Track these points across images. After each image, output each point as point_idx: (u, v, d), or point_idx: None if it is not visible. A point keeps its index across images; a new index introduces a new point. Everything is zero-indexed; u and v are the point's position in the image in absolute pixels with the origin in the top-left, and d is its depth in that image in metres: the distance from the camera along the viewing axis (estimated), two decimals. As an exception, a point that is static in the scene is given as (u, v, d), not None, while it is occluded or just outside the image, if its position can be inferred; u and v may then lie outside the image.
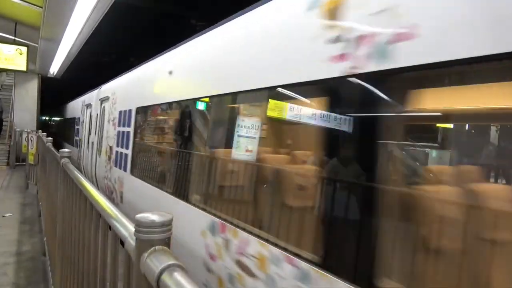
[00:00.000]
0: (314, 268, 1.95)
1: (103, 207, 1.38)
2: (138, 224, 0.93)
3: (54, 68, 13.92)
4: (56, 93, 20.54)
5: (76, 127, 12.05)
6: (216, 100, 3.50)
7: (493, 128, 5.29)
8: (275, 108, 2.77)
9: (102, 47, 12.92)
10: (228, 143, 3.18)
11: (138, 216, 0.95)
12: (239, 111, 3.30)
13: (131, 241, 1.02)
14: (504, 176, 3.71)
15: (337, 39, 2.02)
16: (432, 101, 2.61)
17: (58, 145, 4.84)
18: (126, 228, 1.13)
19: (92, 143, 8.68)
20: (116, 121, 6.36)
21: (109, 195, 6.50)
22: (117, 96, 6.75)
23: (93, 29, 8.48)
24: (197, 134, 3.79)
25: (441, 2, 1.55)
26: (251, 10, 3.03)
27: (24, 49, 11.08)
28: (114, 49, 13.86)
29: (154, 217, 0.94)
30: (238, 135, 3.09)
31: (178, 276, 0.79)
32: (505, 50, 1.29)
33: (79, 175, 2.11)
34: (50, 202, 4.18)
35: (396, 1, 1.71)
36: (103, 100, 7.88)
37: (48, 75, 15.34)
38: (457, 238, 1.81)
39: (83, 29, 8.30)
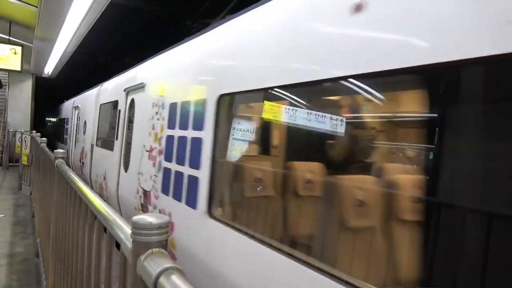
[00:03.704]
0: None
1: (98, 208, 1.36)
2: (135, 226, 0.92)
3: (49, 68, 13.82)
4: (51, 93, 20.37)
5: None
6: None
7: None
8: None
9: (97, 48, 12.86)
10: None
11: (135, 218, 0.93)
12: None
13: (127, 244, 1.01)
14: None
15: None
16: None
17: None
18: (122, 230, 1.11)
19: None
20: None
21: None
22: None
23: (89, 30, 8.43)
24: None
25: None
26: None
27: (18, 49, 10.99)
28: (110, 49, 13.81)
29: (151, 219, 0.92)
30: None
31: (176, 279, 0.78)
32: None
33: (73, 176, 2.09)
34: (43, 203, 4.14)
35: None
36: None
37: (43, 75, 15.23)
38: None
39: (79, 29, 8.24)
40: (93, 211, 1.45)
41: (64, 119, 13.67)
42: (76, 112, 10.14)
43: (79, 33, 8.65)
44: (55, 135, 16.21)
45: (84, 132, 8.40)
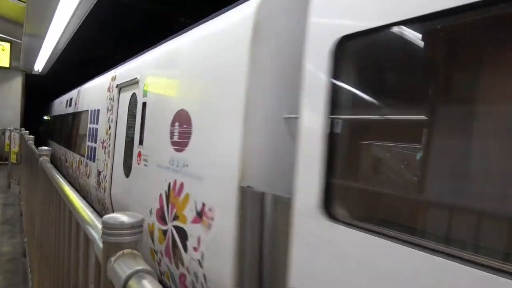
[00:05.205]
0: None
1: (75, 206, 1.30)
2: (106, 226, 0.86)
3: (39, 65, 13.63)
4: (44, 91, 20.13)
5: None
6: None
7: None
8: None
9: (88, 44, 12.70)
10: None
11: (106, 217, 0.88)
12: None
13: (99, 244, 0.95)
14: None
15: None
16: None
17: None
18: (96, 229, 1.05)
19: None
20: None
21: None
22: None
23: (79, 26, 8.30)
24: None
25: None
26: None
27: (7, 45, 10.84)
28: (101, 46, 13.66)
29: (123, 218, 0.86)
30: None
31: (146, 282, 0.73)
32: None
33: (55, 173, 2.02)
34: (30, 202, 4.06)
35: None
36: None
37: (33, 72, 15.02)
38: None
39: (69, 25, 8.10)
40: (70, 209, 1.38)
41: (81, 113, 7.84)
42: (126, 95, 4.74)
43: (69, 29, 8.51)
44: (62, 140, 10.50)
45: (181, 147, 2.97)
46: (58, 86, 16.56)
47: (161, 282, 3.17)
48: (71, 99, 9.71)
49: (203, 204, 2.52)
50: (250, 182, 2.18)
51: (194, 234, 2.59)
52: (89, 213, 1.16)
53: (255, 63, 2.25)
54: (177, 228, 2.83)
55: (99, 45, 13.40)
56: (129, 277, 0.74)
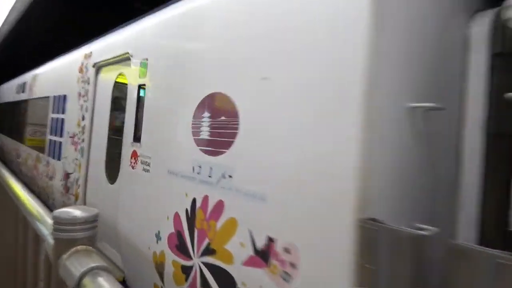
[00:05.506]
0: None
1: (21, 200, 1.21)
2: (57, 221, 0.80)
3: (-19, 48, 12.59)
4: None
5: None
6: None
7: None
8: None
9: (38, 27, 11.92)
10: None
11: (57, 211, 0.82)
12: None
13: (50, 240, 0.89)
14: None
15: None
16: None
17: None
18: (46, 225, 0.98)
19: None
20: None
21: None
22: None
23: (27, 7, 7.73)
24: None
25: None
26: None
27: None
28: (51, 28, 12.86)
29: (76, 212, 0.81)
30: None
31: (102, 280, 0.69)
32: None
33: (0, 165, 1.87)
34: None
35: None
36: None
37: (-26, 55, 13.85)
38: None
39: (15, 5, 7.53)
40: (16, 204, 1.29)
41: (38, 100, 6.69)
42: (109, 76, 3.89)
43: (16, 9, 7.92)
44: (12, 132, 9.15)
45: (218, 148, 2.03)
46: (6, 71, 15.44)
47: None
48: (24, 84, 8.28)
49: (270, 240, 1.62)
50: (373, 211, 1.29)
51: (251, 283, 1.70)
52: (38, 208, 1.08)
53: (381, 16, 1.35)
54: (213, 268, 1.92)
55: (50, 27, 12.63)
56: (83, 275, 0.70)
